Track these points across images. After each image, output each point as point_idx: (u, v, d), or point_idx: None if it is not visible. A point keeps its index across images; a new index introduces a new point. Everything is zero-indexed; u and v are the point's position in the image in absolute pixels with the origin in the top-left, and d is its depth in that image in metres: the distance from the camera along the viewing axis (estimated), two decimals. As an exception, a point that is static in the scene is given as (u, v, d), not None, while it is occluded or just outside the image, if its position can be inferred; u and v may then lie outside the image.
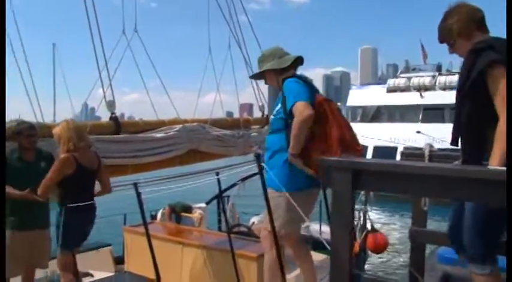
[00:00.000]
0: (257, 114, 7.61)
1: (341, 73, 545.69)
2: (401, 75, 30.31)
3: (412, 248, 3.37)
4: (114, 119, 4.72)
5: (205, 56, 6.66)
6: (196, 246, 5.58)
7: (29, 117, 4.54)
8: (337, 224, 2.00)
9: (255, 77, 3.56)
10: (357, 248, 6.49)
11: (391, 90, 28.85)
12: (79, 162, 3.88)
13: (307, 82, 3.13)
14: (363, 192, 6.47)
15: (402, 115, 28.60)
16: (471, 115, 2.32)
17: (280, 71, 3.20)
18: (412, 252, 3.39)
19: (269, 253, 3.20)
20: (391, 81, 29.81)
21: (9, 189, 3.90)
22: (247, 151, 6.62)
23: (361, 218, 6.92)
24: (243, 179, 8.22)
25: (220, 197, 6.97)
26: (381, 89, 29.77)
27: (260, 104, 7.21)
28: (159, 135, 5.04)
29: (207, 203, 8.21)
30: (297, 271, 6.39)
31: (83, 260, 5.62)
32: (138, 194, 3.00)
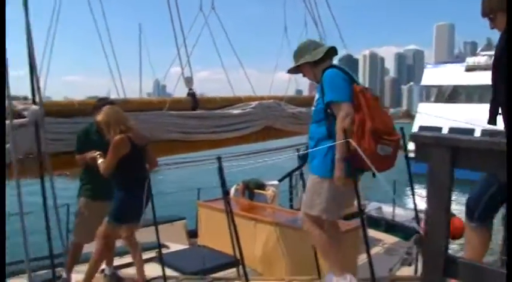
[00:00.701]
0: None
1: (414, 51, 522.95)
2: (482, 53, 28.50)
3: (505, 234, 3.14)
4: (191, 95, 4.80)
5: (275, 35, 6.58)
6: (270, 223, 5.61)
7: (114, 94, 4.69)
8: (434, 204, 1.89)
9: (292, 71, 3.54)
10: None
11: (470, 69, 27.23)
12: (132, 141, 3.97)
13: (345, 73, 3.14)
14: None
15: (481, 96, 26.95)
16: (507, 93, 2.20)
17: (315, 64, 3.25)
18: (505, 239, 3.16)
19: (314, 233, 3.25)
20: (470, 60, 28.13)
21: (78, 156, 4.07)
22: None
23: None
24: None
25: (300, 174, 6.93)
26: (458, 68, 28.20)
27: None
28: (236, 111, 5.07)
29: (280, 181, 8.21)
30: (373, 251, 6.31)
31: (160, 232, 5.83)
32: (221, 168, 3.01)
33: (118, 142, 3.89)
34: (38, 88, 1.67)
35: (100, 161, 3.98)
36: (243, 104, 5.27)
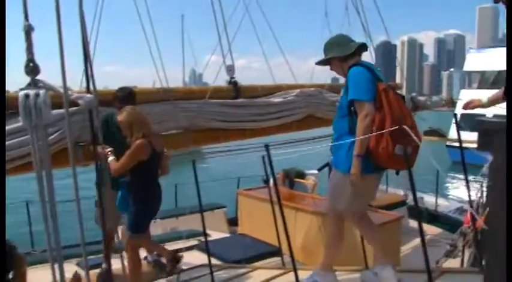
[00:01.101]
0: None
1: (455, 36, 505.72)
2: (530, 36, 27.17)
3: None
4: (233, 83, 4.78)
5: (315, 21, 6.43)
6: (311, 212, 5.55)
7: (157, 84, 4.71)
8: (498, 194, 1.79)
9: (321, 63, 3.58)
10: (480, 224, 6.09)
11: (516, 53, 26.03)
12: (153, 147, 3.82)
13: (371, 70, 3.20)
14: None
15: (528, 81, 25.78)
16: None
17: (344, 58, 3.30)
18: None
19: (331, 224, 3.48)
20: (516, 43, 26.86)
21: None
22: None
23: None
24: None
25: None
26: (503, 52, 27.01)
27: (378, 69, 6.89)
28: (277, 100, 5.02)
29: (319, 170, 8.12)
30: (415, 242, 6.20)
31: (199, 220, 5.86)
32: (269, 157, 2.97)
33: (140, 147, 3.71)
34: (92, 76, 1.66)
35: (111, 159, 3.75)
36: (284, 92, 5.21)
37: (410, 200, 8.98)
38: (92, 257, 5.27)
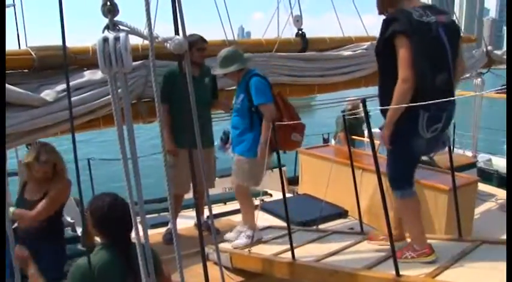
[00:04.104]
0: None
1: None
2: None
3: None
4: (301, 35, 4.47)
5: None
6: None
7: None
8: None
9: (218, 72, 4.12)
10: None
11: None
12: None
13: (266, 79, 3.97)
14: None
15: None
16: (382, 72, 2.88)
17: (241, 70, 3.94)
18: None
19: (242, 198, 4.32)
20: None
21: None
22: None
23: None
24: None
25: None
26: None
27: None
28: (346, 53, 4.68)
29: (380, 129, 7.75)
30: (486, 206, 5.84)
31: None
32: (366, 113, 2.78)
33: (69, 187, 3.44)
34: (182, 19, 1.44)
35: (13, 209, 3.26)
36: (353, 45, 4.86)
37: (477, 162, 8.47)
38: (151, 215, 5.27)
